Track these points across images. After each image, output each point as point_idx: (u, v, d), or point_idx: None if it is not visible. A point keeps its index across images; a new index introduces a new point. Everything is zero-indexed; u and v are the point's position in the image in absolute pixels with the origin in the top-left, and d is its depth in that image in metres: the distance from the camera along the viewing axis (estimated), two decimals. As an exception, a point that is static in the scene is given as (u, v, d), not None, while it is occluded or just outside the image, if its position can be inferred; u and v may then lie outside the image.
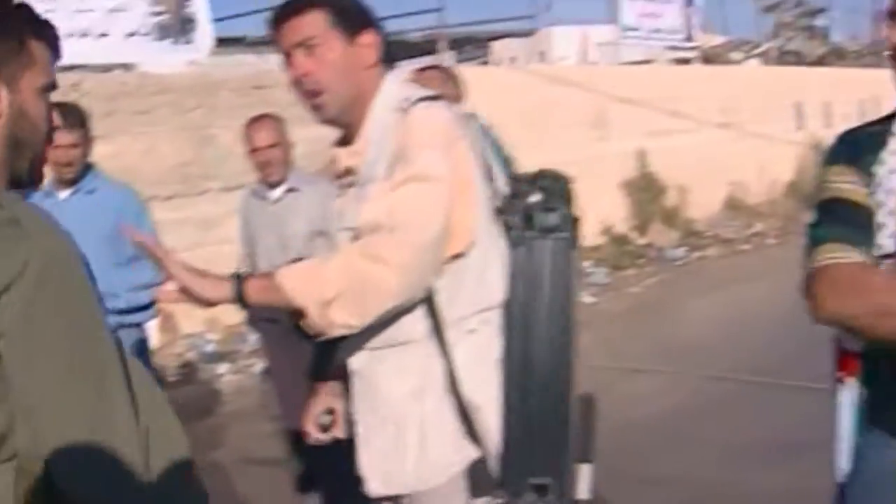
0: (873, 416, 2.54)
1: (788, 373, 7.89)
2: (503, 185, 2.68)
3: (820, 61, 28.50)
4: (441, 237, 2.49)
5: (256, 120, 5.40)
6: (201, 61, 12.25)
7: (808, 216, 2.51)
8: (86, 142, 5.19)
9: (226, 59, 15.65)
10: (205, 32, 12.03)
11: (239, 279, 2.57)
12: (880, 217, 2.39)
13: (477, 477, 2.62)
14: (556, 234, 2.54)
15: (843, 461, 2.63)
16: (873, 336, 2.35)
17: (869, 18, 30.17)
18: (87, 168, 5.20)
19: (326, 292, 2.45)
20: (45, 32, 1.94)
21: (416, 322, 2.59)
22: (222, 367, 9.85)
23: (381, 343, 2.63)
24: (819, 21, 31.02)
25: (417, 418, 2.62)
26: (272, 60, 16.03)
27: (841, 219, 2.44)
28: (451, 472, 2.63)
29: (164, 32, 11.40)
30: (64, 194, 5.16)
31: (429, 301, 2.56)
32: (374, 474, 2.70)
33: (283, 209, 5.23)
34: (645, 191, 16.54)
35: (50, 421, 1.59)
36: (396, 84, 2.71)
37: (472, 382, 2.58)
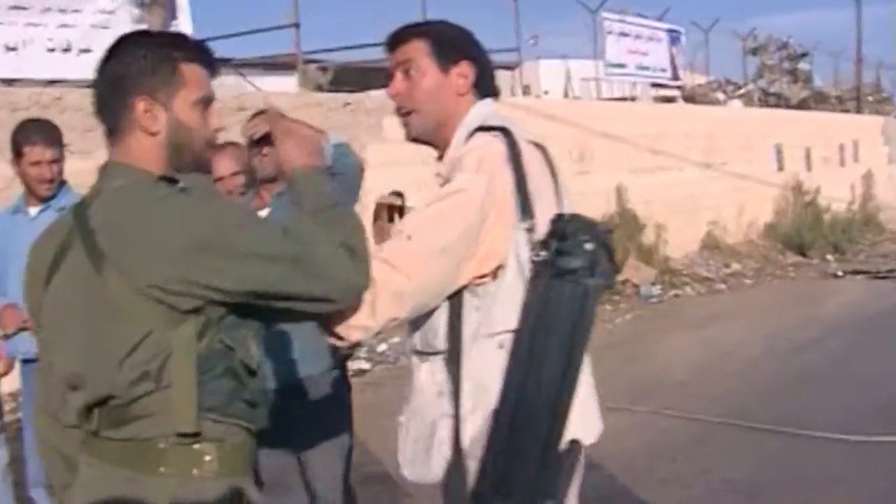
0: None
1: (758, 415, 7.88)
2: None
3: (802, 104, 28.69)
4: (455, 249, 2.65)
5: (219, 149, 5.36)
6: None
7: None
8: (62, 158, 5.17)
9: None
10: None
11: None
12: None
13: (454, 488, 2.78)
14: (573, 277, 2.61)
15: None
16: None
17: (851, 64, 30.44)
18: (60, 185, 5.17)
19: None
20: (197, 56, 2.50)
21: (444, 334, 2.77)
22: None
23: (423, 348, 2.87)
24: (802, 65, 31.24)
25: (438, 417, 2.81)
26: (256, 83, 16.02)
27: None
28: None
29: (147, 51, 11.40)
30: (34, 211, 5.12)
31: (459, 316, 2.74)
32: (406, 461, 2.94)
33: None
34: (623, 227, 16.56)
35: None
36: (480, 113, 2.93)
37: (474, 398, 2.74)
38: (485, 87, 2.99)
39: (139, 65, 2.41)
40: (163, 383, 2.29)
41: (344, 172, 4.32)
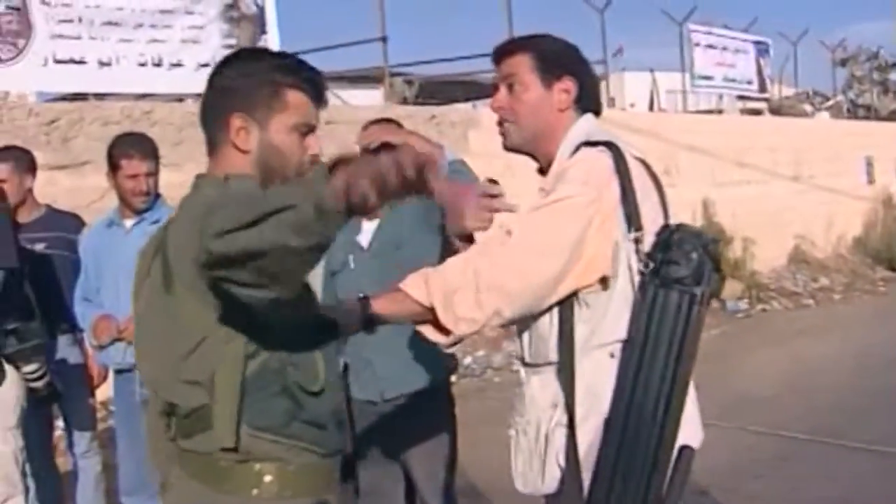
0: None
1: (848, 433, 7.77)
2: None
3: (892, 116, 28.20)
4: (559, 254, 2.68)
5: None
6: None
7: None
8: (157, 171, 5.26)
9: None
10: (277, 65, 12.14)
11: (364, 300, 2.87)
12: None
13: (569, 499, 2.80)
14: (680, 286, 2.65)
15: None
16: None
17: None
18: (155, 198, 5.26)
19: (449, 285, 2.69)
20: (304, 85, 2.49)
21: (555, 344, 2.80)
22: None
23: (533, 360, 2.90)
24: (893, 76, 30.72)
25: (552, 428, 2.82)
26: (343, 96, 16.15)
27: None
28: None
29: (237, 64, 11.53)
30: (129, 223, 5.21)
31: (570, 327, 2.77)
32: (518, 474, 2.94)
33: None
34: (710, 241, 16.41)
35: None
36: (583, 128, 2.97)
37: (587, 407, 2.76)
38: (587, 103, 3.04)
39: (243, 82, 2.45)
40: (214, 397, 2.31)
41: None
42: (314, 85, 2.54)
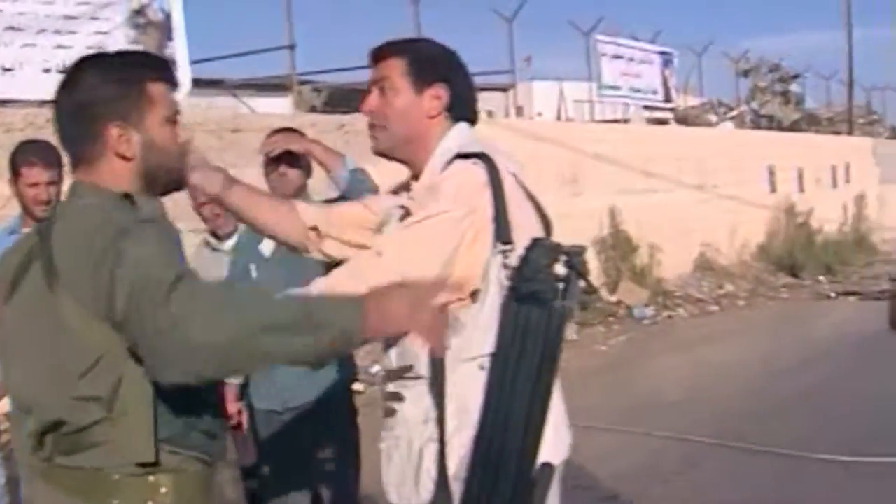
0: None
1: (752, 437, 7.89)
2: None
3: (794, 126, 28.78)
4: (428, 271, 2.62)
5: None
6: (179, 102, 12.22)
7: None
8: (60, 180, 5.15)
9: (203, 101, 15.65)
10: (183, 74, 12.02)
11: None
12: None
13: None
14: (537, 301, 2.61)
15: None
16: None
17: (843, 86, 30.56)
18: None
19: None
20: (161, 73, 2.48)
21: (426, 359, 2.75)
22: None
23: (402, 374, 2.86)
24: (794, 87, 31.36)
25: (425, 443, 2.80)
26: (250, 104, 16.03)
27: None
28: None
29: (142, 72, 11.41)
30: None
31: None
32: (391, 487, 2.95)
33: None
34: (616, 248, 16.58)
35: None
36: (456, 138, 2.93)
37: (458, 421, 2.73)
38: (461, 111, 2.98)
39: (108, 90, 2.38)
40: (115, 412, 2.24)
41: (357, 198, 4.35)
42: (168, 71, 2.54)
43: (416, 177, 3.00)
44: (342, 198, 4.34)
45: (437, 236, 2.68)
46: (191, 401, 2.31)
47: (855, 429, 8.10)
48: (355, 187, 4.31)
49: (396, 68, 2.93)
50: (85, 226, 2.28)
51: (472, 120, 3.02)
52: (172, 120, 2.49)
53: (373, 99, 2.97)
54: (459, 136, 2.93)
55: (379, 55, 2.98)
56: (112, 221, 2.28)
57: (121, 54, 2.57)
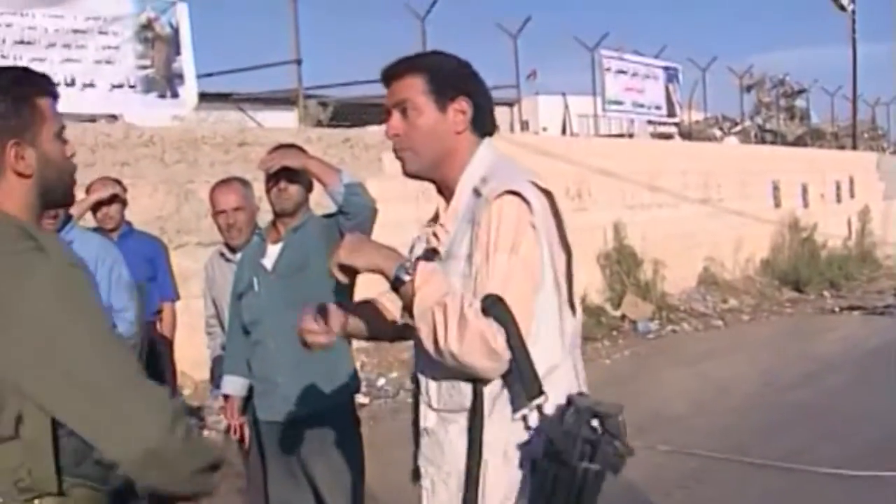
0: None
1: (756, 451, 7.91)
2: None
3: (798, 141, 28.82)
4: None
5: (223, 183, 5.45)
6: (186, 116, 12.30)
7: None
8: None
9: (210, 115, 15.73)
10: (190, 87, 12.09)
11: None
12: None
13: None
14: (563, 463, 2.56)
15: None
16: None
17: (847, 101, 30.59)
18: (66, 220, 5.22)
19: (451, 340, 2.57)
20: (46, 88, 2.42)
21: (469, 391, 2.72)
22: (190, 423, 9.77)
23: (445, 406, 2.80)
24: (799, 102, 31.42)
25: (476, 475, 2.73)
26: (256, 118, 16.07)
27: None
28: None
29: (150, 86, 11.46)
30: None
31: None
32: None
33: None
34: (620, 263, 16.62)
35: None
36: (483, 160, 2.88)
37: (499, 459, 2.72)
38: (483, 123, 2.93)
39: (1, 107, 2.33)
40: (5, 436, 2.20)
41: (354, 212, 4.42)
42: (51, 84, 2.47)
43: (440, 191, 2.96)
44: (340, 212, 4.42)
45: (528, 274, 2.66)
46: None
47: (858, 444, 8.11)
48: (351, 201, 4.39)
49: (416, 87, 2.86)
50: None
51: (492, 132, 2.99)
52: (61, 134, 2.44)
53: (396, 121, 2.90)
54: (489, 155, 2.91)
55: (394, 74, 2.91)
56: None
57: (3, 70, 2.47)
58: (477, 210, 2.73)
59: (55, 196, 2.43)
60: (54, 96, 2.45)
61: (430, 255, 2.89)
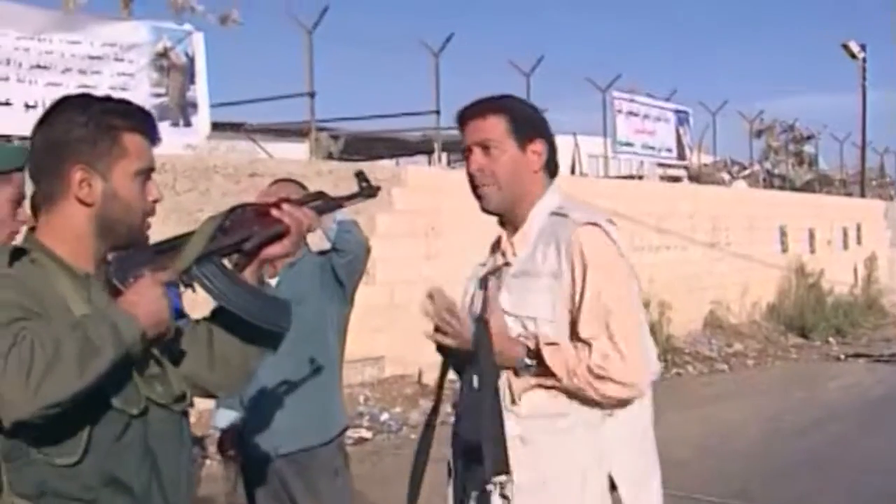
0: None
1: (760, 496, 7.88)
2: None
3: (806, 187, 28.85)
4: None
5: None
6: (198, 145, 12.33)
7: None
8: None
9: (221, 144, 15.76)
10: (203, 117, 12.15)
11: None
12: None
13: None
14: None
15: None
16: None
17: (856, 148, 30.64)
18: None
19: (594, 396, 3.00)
20: (140, 126, 2.41)
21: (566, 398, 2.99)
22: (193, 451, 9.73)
23: (545, 413, 3.00)
24: (808, 148, 31.46)
25: (578, 481, 2.99)
26: (268, 149, 16.11)
27: None
28: None
29: (164, 114, 11.48)
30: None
31: None
32: None
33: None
34: (627, 304, 16.58)
35: None
36: (556, 195, 3.13)
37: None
38: (553, 165, 3.16)
39: (80, 132, 2.33)
40: None
41: (346, 250, 4.43)
42: (149, 125, 2.46)
43: (503, 224, 3.16)
44: (333, 249, 4.44)
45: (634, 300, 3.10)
46: (36, 462, 2.23)
47: (864, 492, 8.08)
48: (344, 238, 4.41)
49: (499, 126, 3.05)
50: None
51: (556, 173, 3.20)
52: (145, 175, 2.42)
53: (478, 158, 3.07)
54: (557, 194, 3.13)
55: (475, 114, 3.10)
56: None
57: (104, 99, 2.46)
58: (561, 229, 2.98)
59: (117, 233, 2.39)
60: (150, 137, 2.44)
61: (499, 270, 3.12)
